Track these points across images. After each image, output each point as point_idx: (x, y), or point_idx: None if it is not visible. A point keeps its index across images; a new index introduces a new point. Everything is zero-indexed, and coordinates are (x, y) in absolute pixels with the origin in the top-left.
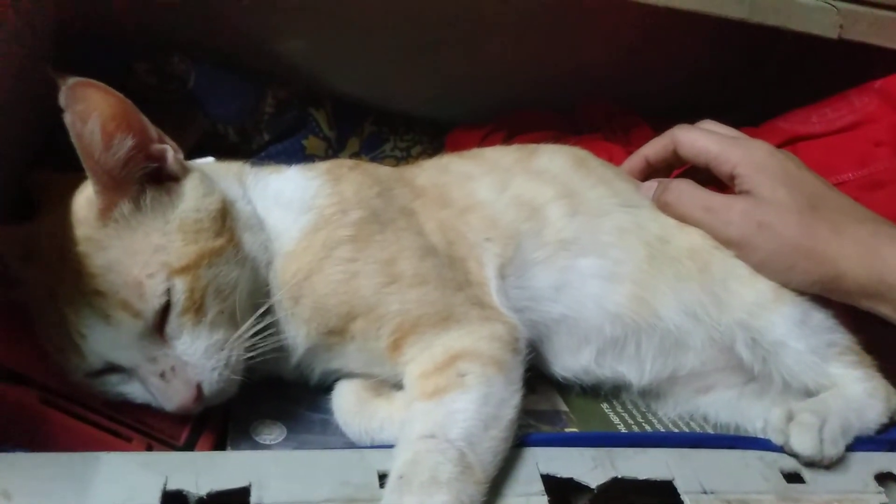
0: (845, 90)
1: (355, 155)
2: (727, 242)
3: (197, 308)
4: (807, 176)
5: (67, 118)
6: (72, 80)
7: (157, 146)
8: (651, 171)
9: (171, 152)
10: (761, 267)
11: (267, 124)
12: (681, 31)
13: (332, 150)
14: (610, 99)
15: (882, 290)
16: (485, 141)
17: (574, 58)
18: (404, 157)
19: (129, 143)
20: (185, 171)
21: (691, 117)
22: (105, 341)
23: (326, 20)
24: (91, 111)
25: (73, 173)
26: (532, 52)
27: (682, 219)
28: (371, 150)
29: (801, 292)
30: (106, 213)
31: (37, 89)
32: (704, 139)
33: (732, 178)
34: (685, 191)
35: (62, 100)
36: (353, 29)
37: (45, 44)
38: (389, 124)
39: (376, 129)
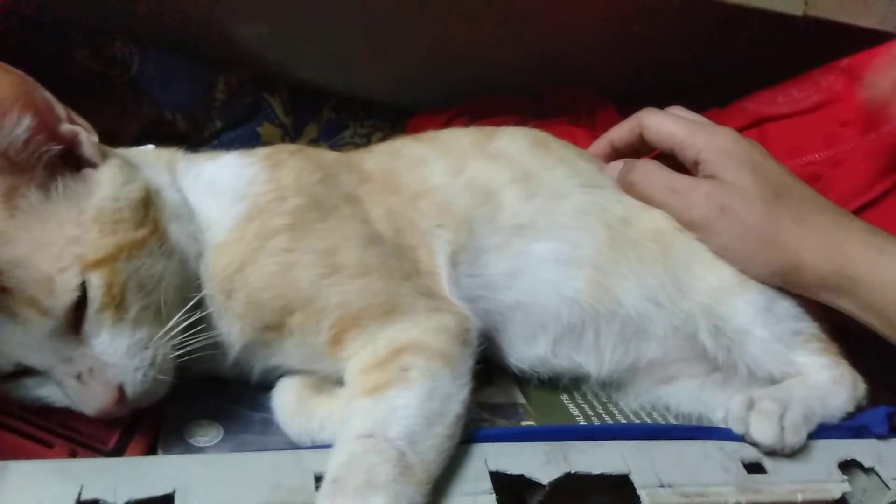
0: (811, 69)
1: (314, 142)
2: (690, 225)
3: (117, 304)
4: (772, 164)
5: None
6: None
7: (66, 127)
8: (616, 156)
9: (85, 135)
10: (722, 252)
11: (219, 111)
12: (647, 13)
13: (289, 138)
14: (576, 82)
15: (842, 283)
16: (448, 126)
17: (539, 41)
18: (365, 144)
19: (28, 122)
20: (104, 156)
21: (658, 100)
22: (13, 341)
23: (282, 2)
24: None
25: None
26: (496, 35)
27: (647, 200)
28: (330, 137)
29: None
30: (9, 200)
31: None
32: (670, 124)
33: (697, 163)
34: (651, 171)
35: None
36: (310, 12)
37: None
38: (349, 110)
39: (335, 116)
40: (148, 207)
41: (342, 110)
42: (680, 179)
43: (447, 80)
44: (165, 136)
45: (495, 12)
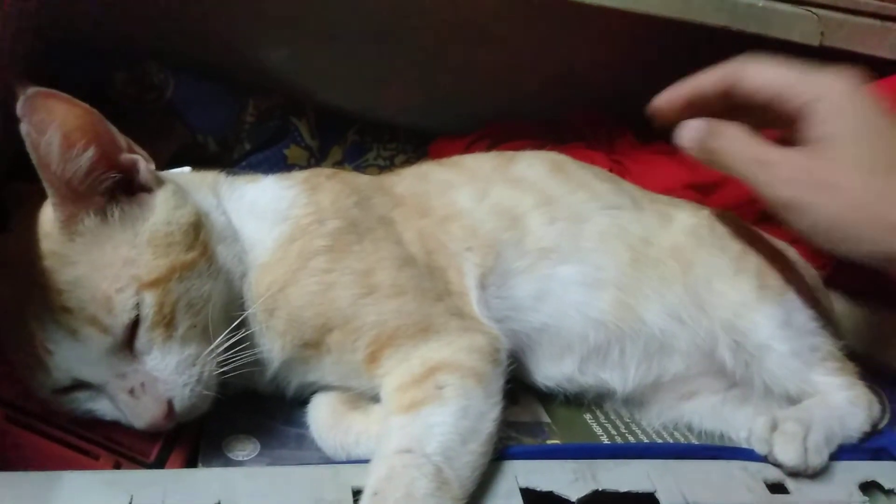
0: None
1: (338, 164)
2: (776, 202)
3: (167, 323)
4: (888, 127)
5: (23, 129)
6: (31, 90)
7: (126, 156)
8: (690, 112)
9: (143, 163)
10: (811, 231)
11: (248, 134)
12: (666, 42)
13: (315, 160)
14: (595, 108)
15: None
16: (468, 150)
17: (559, 67)
18: (388, 167)
19: (91, 153)
20: (158, 182)
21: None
22: (72, 357)
23: (310, 30)
24: (49, 122)
25: None
26: (517, 61)
27: (727, 170)
28: (354, 160)
29: (785, 289)
30: (69, 226)
31: (9, 98)
32: (777, 67)
33: (799, 117)
34: (738, 137)
35: (19, 110)
36: (336, 39)
37: (20, 53)
38: (373, 133)
39: (359, 139)
40: (198, 231)
41: (366, 133)
42: (773, 151)
43: (469, 105)
44: (197, 158)
45: (517, 38)
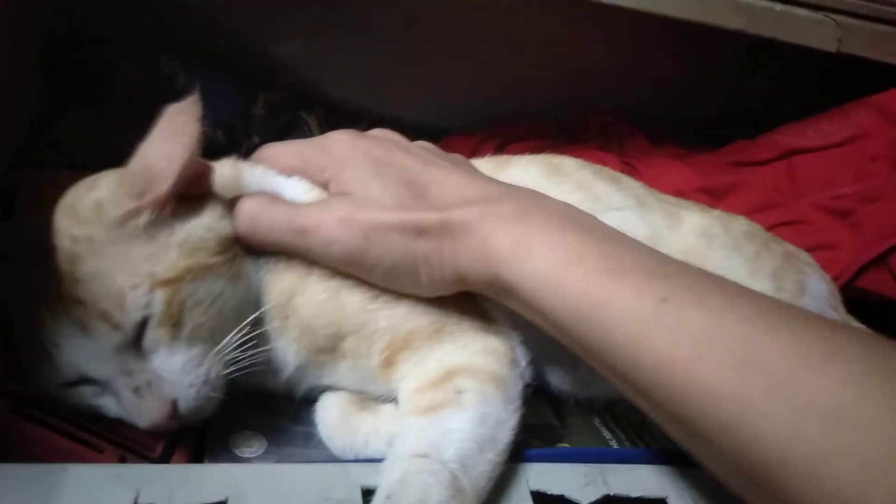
0: (843, 104)
1: None
2: (341, 266)
3: (174, 322)
4: (400, 158)
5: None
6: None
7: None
8: None
9: (208, 175)
10: (387, 283)
11: (257, 127)
12: (680, 43)
13: None
14: (608, 109)
15: (502, 289)
16: (477, 149)
17: (572, 68)
18: None
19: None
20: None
21: (689, 128)
22: (80, 352)
23: (322, 24)
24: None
25: (60, 171)
26: (530, 61)
27: (279, 250)
28: None
29: (802, 293)
30: (128, 218)
31: (16, 85)
32: (285, 154)
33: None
34: (260, 213)
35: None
36: (349, 34)
37: (27, 40)
38: None
39: None
40: (234, 242)
41: None
42: (303, 213)
43: (480, 104)
44: (205, 150)
45: (530, 40)
